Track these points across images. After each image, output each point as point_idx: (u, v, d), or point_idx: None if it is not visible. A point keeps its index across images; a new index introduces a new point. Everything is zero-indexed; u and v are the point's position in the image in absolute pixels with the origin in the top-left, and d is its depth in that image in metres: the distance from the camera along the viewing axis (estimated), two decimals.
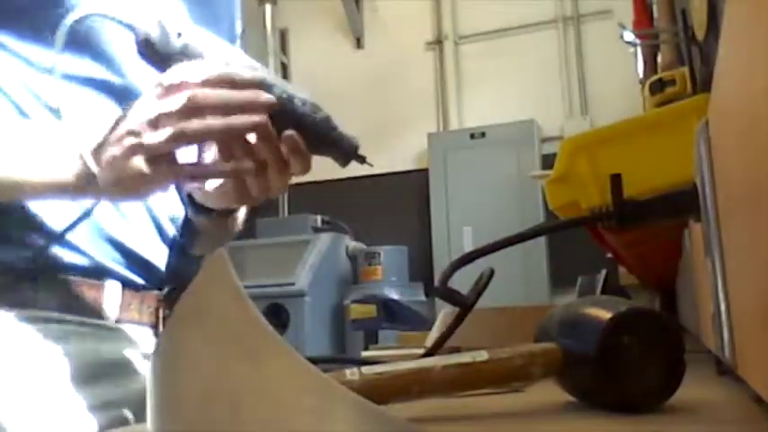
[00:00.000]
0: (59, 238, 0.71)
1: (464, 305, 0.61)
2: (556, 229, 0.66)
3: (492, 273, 0.62)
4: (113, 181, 0.61)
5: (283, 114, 0.62)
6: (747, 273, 0.34)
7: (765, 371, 0.31)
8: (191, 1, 0.82)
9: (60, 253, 0.71)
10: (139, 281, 0.78)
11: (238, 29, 0.92)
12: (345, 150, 0.65)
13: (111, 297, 0.75)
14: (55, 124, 0.68)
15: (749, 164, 0.30)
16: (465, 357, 0.47)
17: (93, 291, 0.73)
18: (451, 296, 0.61)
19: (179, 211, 0.83)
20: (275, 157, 0.62)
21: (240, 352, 0.26)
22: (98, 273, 0.74)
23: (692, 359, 0.47)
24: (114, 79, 0.75)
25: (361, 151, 0.66)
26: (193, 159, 0.64)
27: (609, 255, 1.31)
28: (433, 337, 0.73)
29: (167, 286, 0.81)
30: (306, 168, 0.63)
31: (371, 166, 0.65)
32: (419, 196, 4.46)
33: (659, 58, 1.41)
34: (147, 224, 0.79)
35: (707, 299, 0.52)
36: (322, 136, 0.64)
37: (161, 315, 0.80)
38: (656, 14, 1.54)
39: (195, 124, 0.58)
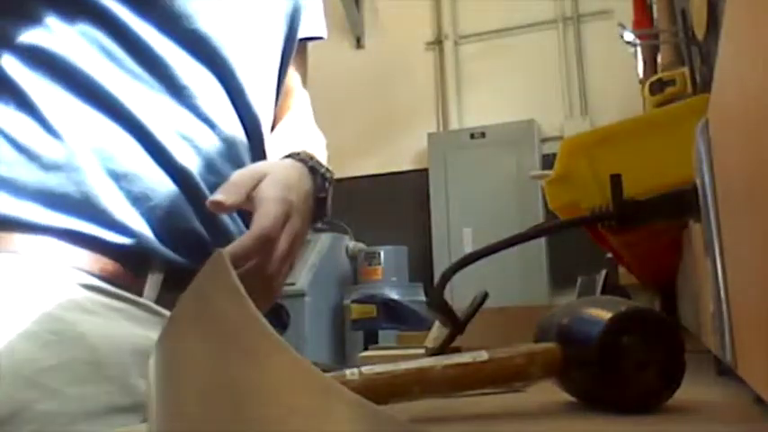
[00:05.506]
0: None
1: (455, 324, 0.60)
2: (556, 229, 0.66)
3: (486, 296, 0.61)
4: None
5: None
6: (747, 273, 0.34)
7: (765, 371, 0.31)
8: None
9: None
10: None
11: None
12: None
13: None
14: None
15: (749, 164, 0.30)
16: (465, 357, 0.47)
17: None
18: (444, 312, 0.60)
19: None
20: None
21: (240, 352, 0.26)
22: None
23: (692, 359, 0.47)
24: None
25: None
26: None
27: (609, 255, 1.30)
28: (432, 336, 0.73)
29: None
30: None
31: None
32: (419, 196, 4.45)
33: (659, 58, 1.41)
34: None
35: (707, 299, 0.52)
36: None
37: None
38: (656, 14, 1.54)
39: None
